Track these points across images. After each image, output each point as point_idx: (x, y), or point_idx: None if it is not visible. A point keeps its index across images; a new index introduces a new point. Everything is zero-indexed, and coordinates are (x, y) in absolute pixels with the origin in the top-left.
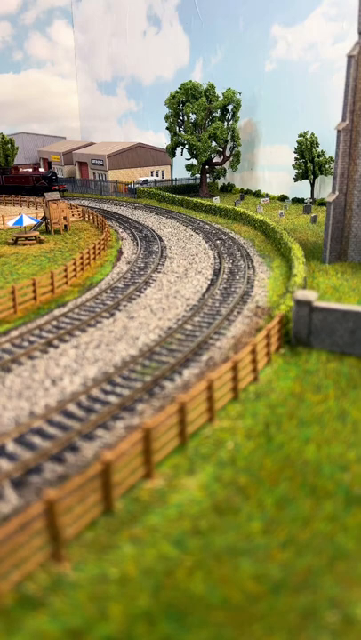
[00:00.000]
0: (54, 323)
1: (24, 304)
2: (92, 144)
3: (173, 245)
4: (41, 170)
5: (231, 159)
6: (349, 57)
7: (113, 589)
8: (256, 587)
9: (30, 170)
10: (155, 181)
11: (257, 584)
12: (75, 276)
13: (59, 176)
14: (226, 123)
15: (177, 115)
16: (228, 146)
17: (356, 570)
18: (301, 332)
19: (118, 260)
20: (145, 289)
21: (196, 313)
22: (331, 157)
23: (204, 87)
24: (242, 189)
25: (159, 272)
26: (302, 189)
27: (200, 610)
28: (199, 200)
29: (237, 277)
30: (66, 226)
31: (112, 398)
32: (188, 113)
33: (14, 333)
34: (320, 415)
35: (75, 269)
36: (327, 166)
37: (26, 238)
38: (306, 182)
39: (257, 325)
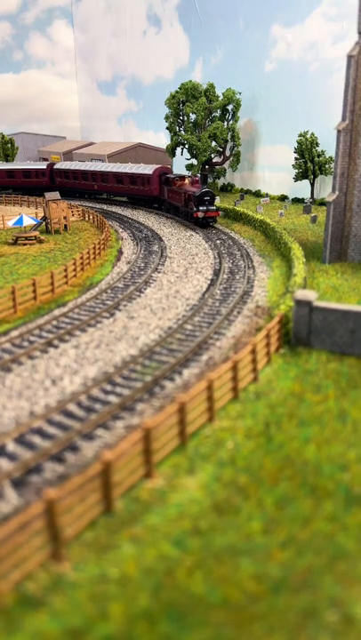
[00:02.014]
0: (54, 323)
1: (24, 304)
2: (92, 144)
3: (173, 245)
4: (194, 188)
5: (231, 159)
6: (349, 57)
7: (113, 589)
8: (256, 586)
9: (187, 182)
10: None
11: (257, 584)
12: (75, 275)
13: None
14: (226, 122)
15: (177, 114)
16: (228, 146)
17: (357, 569)
18: (301, 331)
19: (118, 259)
20: (145, 289)
21: (197, 313)
22: (331, 157)
23: (204, 87)
24: (242, 189)
25: (159, 272)
26: (302, 189)
27: (200, 609)
28: None
29: (237, 277)
30: (66, 226)
31: (112, 398)
32: (188, 113)
33: (14, 333)
34: (320, 415)
35: (75, 269)
36: (327, 166)
37: (26, 238)
38: (306, 182)
39: (257, 325)
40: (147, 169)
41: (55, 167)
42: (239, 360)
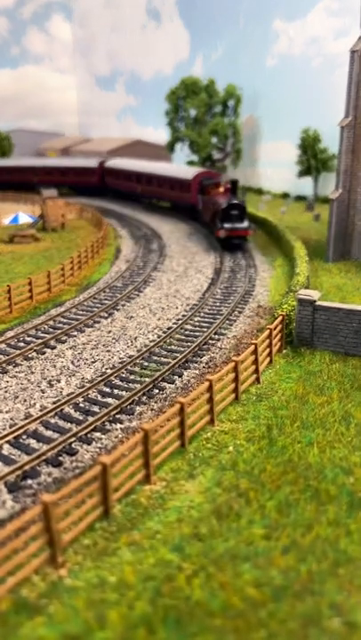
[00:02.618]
0: (51, 323)
1: (20, 304)
2: (90, 140)
3: (173, 244)
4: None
5: (232, 155)
6: (353, 52)
7: (111, 595)
8: (257, 593)
9: (221, 189)
10: None
11: (258, 590)
12: (72, 274)
13: None
14: (227, 118)
15: (177, 110)
16: (229, 142)
17: (360, 575)
18: (304, 332)
19: (117, 258)
20: (144, 288)
21: (197, 313)
22: (334, 154)
23: (205, 83)
24: (243, 186)
25: (158, 271)
26: (305, 186)
27: (200, 616)
28: None
29: (239, 276)
30: (63, 224)
31: (110, 400)
32: (188, 108)
33: (10, 334)
34: (323, 417)
35: (72, 268)
36: (330, 163)
37: (22, 236)
38: (308, 179)
39: (259, 325)
40: (188, 172)
41: (106, 165)
42: (240, 361)
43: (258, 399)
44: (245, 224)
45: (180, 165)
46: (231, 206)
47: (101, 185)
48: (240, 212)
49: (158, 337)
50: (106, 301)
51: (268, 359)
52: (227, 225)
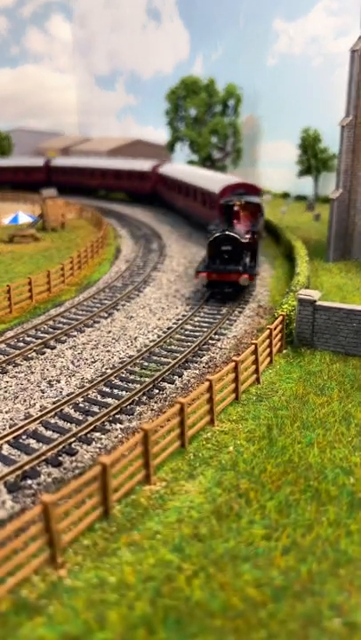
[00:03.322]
0: (51, 323)
1: (20, 303)
2: (90, 140)
3: (173, 243)
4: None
5: (232, 155)
6: (353, 51)
7: (111, 596)
8: (257, 593)
9: (241, 212)
10: None
11: (258, 590)
12: (72, 274)
13: None
14: (227, 118)
15: (177, 110)
16: (229, 142)
17: (360, 576)
18: (305, 332)
19: (117, 258)
20: (144, 288)
21: (197, 312)
22: (334, 154)
23: (205, 82)
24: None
25: (158, 271)
26: (305, 186)
27: (200, 617)
28: None
29: None
30: (63, 223)
31: (110, 400)
32: (188, 108)
33: (9, 334)
34: (324, 418)
35: (72, 268)
36: (330, 163)
37: (22, 236)
38: (308, 179)
39: (259, 325)
40: (216, 184)
41: (160, 171)
42: (240, 361)
43: (258, 399)
44: (240, 267)
45: (214, 174)
46: (223, 239)
47: (153, 193)
48: (235, 247)
49: (158, 337)
50: (106, 301)
51: (268, 359)
52: (213, 265)
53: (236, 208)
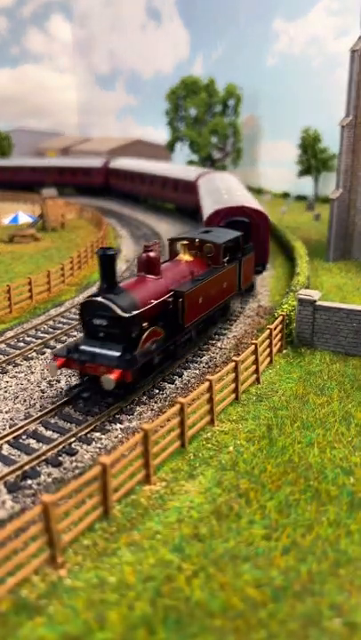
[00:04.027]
0: (51, 323)
1: (20, 303)
2: (90, 140)
3: None
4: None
5: (232, 155)
6: (353, 51)
7: (111, 596)
8: (257, 593)
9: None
10: None
11: (258, 590)
12: (72, 274)
13: None
14: (227, 118)
15: (177, 110)
16: (229, 141)
17: (360, 576)
18: (305, 332)
19: (116, 257)
20: None
21: None
22: (334, 154)
23: (205, 82)
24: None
25: None
26: (305, 186)
27: (200, 617)
28: None
29: None
30: (63, 223)
31: (110, 400)
32: (188, 108)
33: (9, 334)
34: (324, 418)
35: (72, 268)
36: (330, 162)
37: (22, 236)
38: (309, 178)
39: (259, 325)
40: (211, 206)
41: (199, 182)
42: (240, 361)
43: (258, 399)
44: (114, 357)
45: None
46: (95, 308)
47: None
48: (114, 324)
49: None
50: None
51: (268, 359)
52: (84, 347)
53: (147, 255)
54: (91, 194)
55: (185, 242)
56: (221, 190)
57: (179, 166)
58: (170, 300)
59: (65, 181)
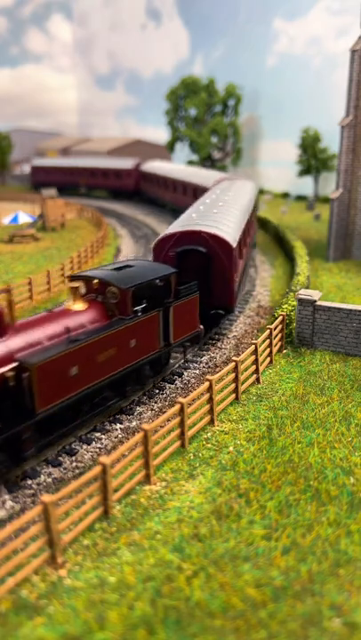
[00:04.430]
0: None
1: (20, 303)
2: (89, 140)
3: None
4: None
5: (232, 155)
6: (353, 51)
7: (111, 596)
8: (257, 593)
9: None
10: None
11: (258, 590)
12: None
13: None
14: (227, 118)
15: (177, 110)
16: (229, 141)
17: (360, 576)
18: (305, 332)
19: (116, 258)
20: None
21: None
22: (334, 154)
23: (205, 82)
24: None
25: None
26: (305, 186)
27: (200, 617)
28: None
29: None
30: (63, 223)
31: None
32: (188, 108)
33: None
34: (324, 418)
35: (72, 268)
36: (330, 162)
37: (22, 236)
38: (309, 178)
39: (259, 325)
40: (168, 228)
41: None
42: (240, 361)
43: (258, 399)
44: None
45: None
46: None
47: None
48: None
49: None
50: None
51: (268, 359)
52: None
53: None
54: (123, 198)
55: (77, 283)
56: (207, 204)
57: (208, 171)
58: (10, 374)
59: (97, 184)
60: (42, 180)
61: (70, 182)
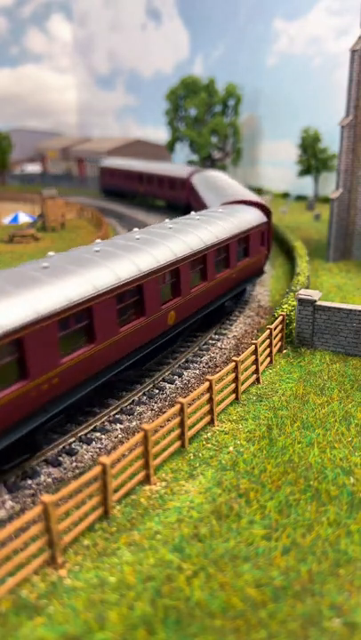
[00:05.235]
0: None
1: None
2: (89, 140)
3: None
4: None
5: (232, 155)
6: (353, 51)
7: (111, 596)
8: (257, 593)
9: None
10: None
11: (258, 590)
12: None
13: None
14: (227, 118)
15: (177, 110)
16: (229, 141)
17: (360, 576)
18: (305, 332)
19: None
20: None
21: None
22: (334, 154)
23: (205, 82)
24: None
25: None
26: (305, 186)
27: (200, 617)
28: None
29: None
30: (63, 223)
31: (110, 401)
32: (188, 108)
33: None
34: (324, 418)
35: None
36: (330, 162)
37: (22, 236)
38: (309, 178)
39: (259, 325)
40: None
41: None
42: (240, 361)
43: (258, 399)
44: None
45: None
46: None
47: None
48: None
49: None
50: None
51: (268, 359)
52: None
53: None
54: (177, 211)
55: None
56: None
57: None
58: None
59: (153, 193)
60: (110, 184)
61: (129, 189)
